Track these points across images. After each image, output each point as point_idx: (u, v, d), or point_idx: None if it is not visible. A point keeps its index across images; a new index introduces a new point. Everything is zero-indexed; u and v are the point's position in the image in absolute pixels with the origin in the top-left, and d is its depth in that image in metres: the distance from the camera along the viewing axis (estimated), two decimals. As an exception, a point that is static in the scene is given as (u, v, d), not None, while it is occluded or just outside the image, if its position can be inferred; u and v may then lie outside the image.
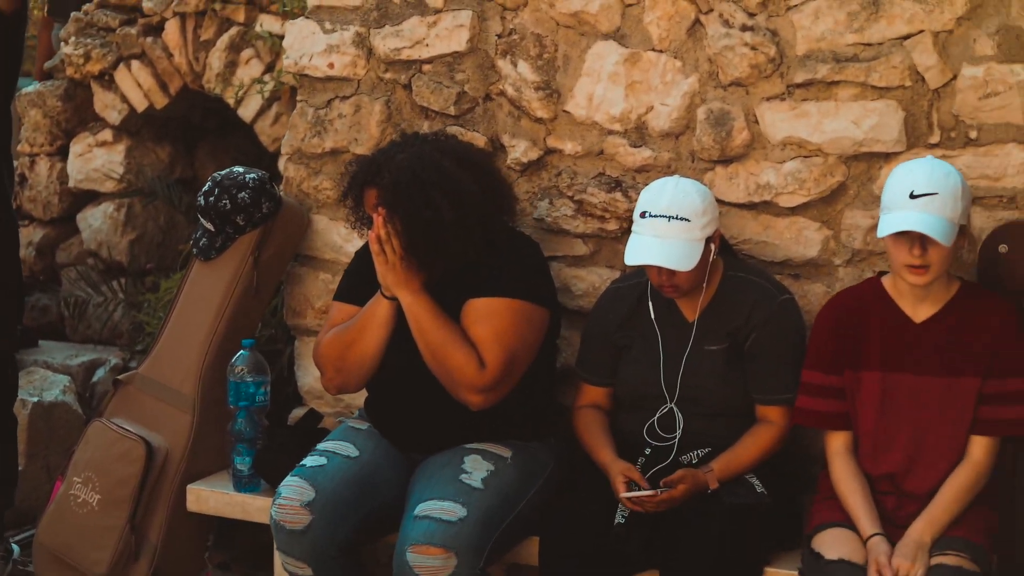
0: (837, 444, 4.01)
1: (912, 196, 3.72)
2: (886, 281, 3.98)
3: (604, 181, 4.53)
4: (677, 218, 3.97)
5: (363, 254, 4.37)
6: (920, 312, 3.92)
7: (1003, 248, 4.09)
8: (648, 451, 4.13)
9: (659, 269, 4.00)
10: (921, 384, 3.90)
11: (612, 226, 4.53)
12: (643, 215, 4.01)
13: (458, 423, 4.20)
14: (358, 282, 4.33)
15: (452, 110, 4.69)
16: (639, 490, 3.93)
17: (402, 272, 4.08)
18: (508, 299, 4.11)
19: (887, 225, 3.76)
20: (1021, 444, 4.08)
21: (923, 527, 3.80)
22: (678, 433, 4.13)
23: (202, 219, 4.85)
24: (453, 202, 4.06)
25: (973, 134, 4.14)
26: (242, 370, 4.53)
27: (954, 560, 3.73)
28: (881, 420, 3.93)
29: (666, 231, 3.97)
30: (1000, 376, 3.85)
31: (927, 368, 3.89)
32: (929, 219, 3.70)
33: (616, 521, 3.95)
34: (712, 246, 4.05)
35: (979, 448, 3.88)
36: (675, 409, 4.15)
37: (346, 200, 4.29)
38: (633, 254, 4.00)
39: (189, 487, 4.68)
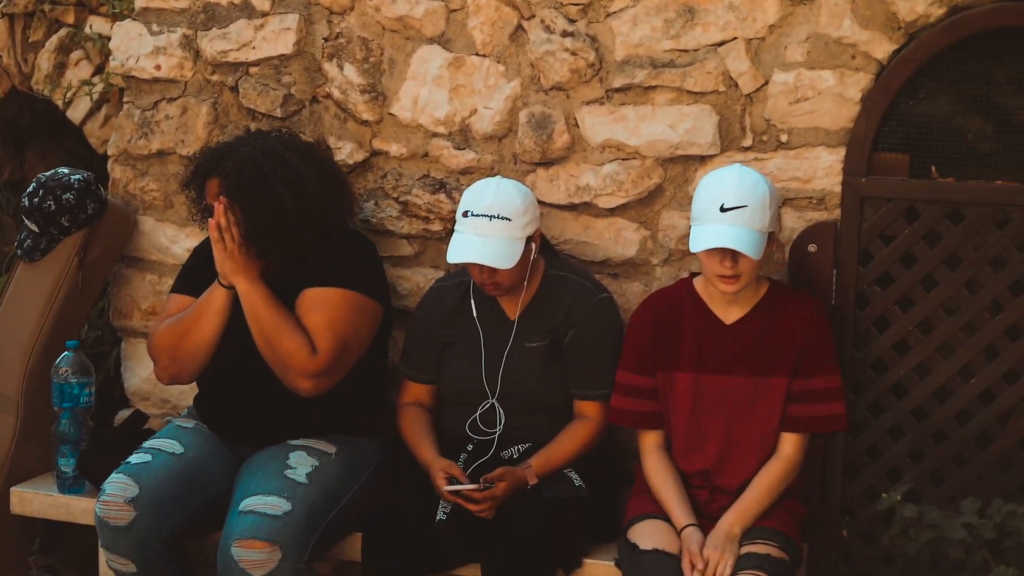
0: (650, 442, 4.11)
1: (722, 209, 3.84)
2: (698, 283, 4.09)
3: (429, 183, 4.59)
4: (498, 217, 4.05)
5: (201, 250, 4.40)
6: (730, 314, 4.04)
7: (812, 248, 4.23)
8: (470, 447, 4.20)
9: (481, 267, 4.08)
10: (732, 384, 4.02)
11: (436, 227, 4.59)
12: (465, 214, 4.08)
13: (286, 416, 4.23)
14: (196, 276, 4.34)
15: (279, 112, 4.71)
16: (459, 485, 3.99)
17: (240, 260, 4.10)
18: (342, 289, 4.17)
19: (699, 240, 3.87)
20: (830, 438, 4.23)
21: (733, 519, 3.92)
22: (499, 428, 4.20)
23: (26, 220, 4.81)
24: (295, 193, 4.11)
25: (784, 138, 4.28)
26: (66, 371, 4.50)
27: (763, 548, 3.86)
28: (693, 420, 4.04)
29: (487, 230, 4.05)
30: (807, 375, 3.98)
31: (737, 368, 4.02)
32: (739, 233, 3.82)
33: (438, 518, 4.00)
34: (533, 245, 4.13)
35: (789, 444, 4.01)
36: (496, 405, 4.22)
37: (187, 191, 4.30)
38: (455, 252, 4.07)
39: (12, 489, 4.63)
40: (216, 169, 4.16)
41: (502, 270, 4.06)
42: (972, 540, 3.85)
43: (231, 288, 4.14)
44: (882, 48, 4.17)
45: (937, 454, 4.25)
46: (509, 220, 4.04)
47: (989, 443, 4.23)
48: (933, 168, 4.21)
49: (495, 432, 4.20)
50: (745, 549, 3.86)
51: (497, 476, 3.99)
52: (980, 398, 4.22)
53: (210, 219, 4.10)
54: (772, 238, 3.92)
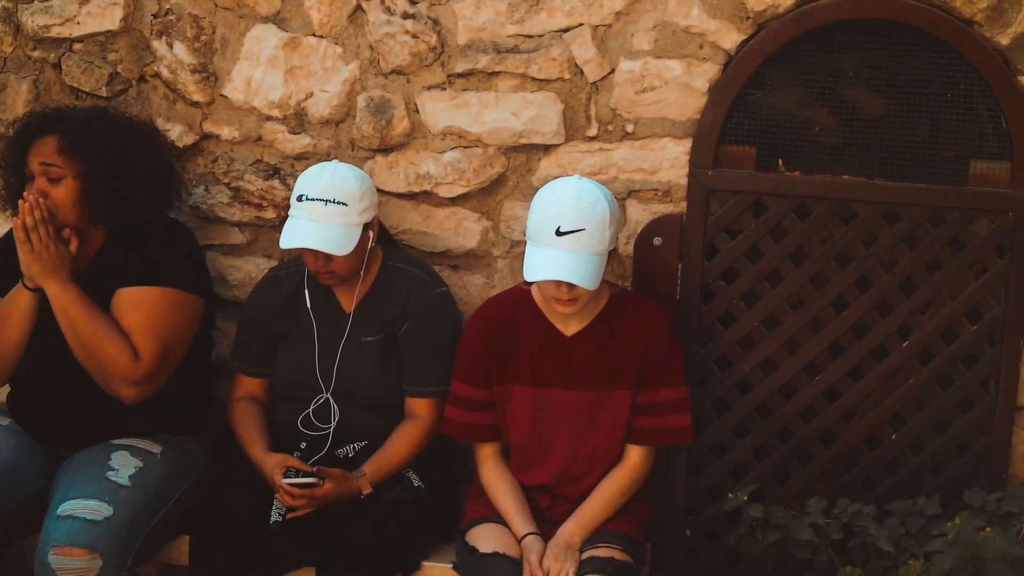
0: (486, 451, 3.97)
1: (559, 233, 3.64)
2: (535, 291, 3.93)
3: (262, 168, 4.40)
4: (334, 202, 3.87)
5: (6, 243, 4.13)
6: (570, 325, 3.89)
7: (657, 241, 4.14)
8: (303, 444, 4.02)
9: (315, 254, 3.90)
10: (573, 398, 3.88)
11: (270, 214, 4.40)
12: (300, 198, 3.90)
13: (106, 417, 4.00)
14: (2, 272, 4.08)
15: (104, 91, 4.48)
16: (299, 475, 3.80)
17: (49, 261, 3.85)
18: (161, 288, 3.95)
19: (533, 268, 3.65)
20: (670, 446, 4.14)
21: (574, 528, 3.80)
22: (333, 424, 4.04)
23: None
24: (145, 153, 3.95)
25: (630, 128, 4.18)
26: None
27: (606, 552, 3.75)
28: (534, 433, 3.90)
29: (322, 214, 3.87)
30: (652, 387, 3.86)
31: (579, 382, 3.87)
32: (575, 261, 3.62)
33: (272, 519, 3.83)
34: (371, 233, 3.97)
35: (636, 454, 3.91)
36: (331, 400, 4.05)
37: (2, 170, 4.03)
38: (288, 237, 3.89)
39: None
40: (53, 127, 3.90)
41: (337, 257, 3.88)
42: (819, 540, 3.82)
43: (38, 290, 3.89)
44: (730, 38, 4.09)
45: (782, 452, 4.19)
46: (345, 205, 3.86)
47: (834, 440, 4.19)
48: (780, 161, 4.15)
49: (329, 428, 4.03)
50: (588, 553, 3.75)
51: (332, 475, 3.82)
52: (825, 395, 4.17)
53: (15, 219, 3.83)
54: (612, 256, 3.78)
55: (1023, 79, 4.04)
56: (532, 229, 3.69)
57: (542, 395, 3.85)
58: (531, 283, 3.87)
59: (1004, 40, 4.01)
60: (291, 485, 3.77)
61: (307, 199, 3.87)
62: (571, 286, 3.66)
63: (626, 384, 3.83)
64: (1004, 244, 4.07)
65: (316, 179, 3.90)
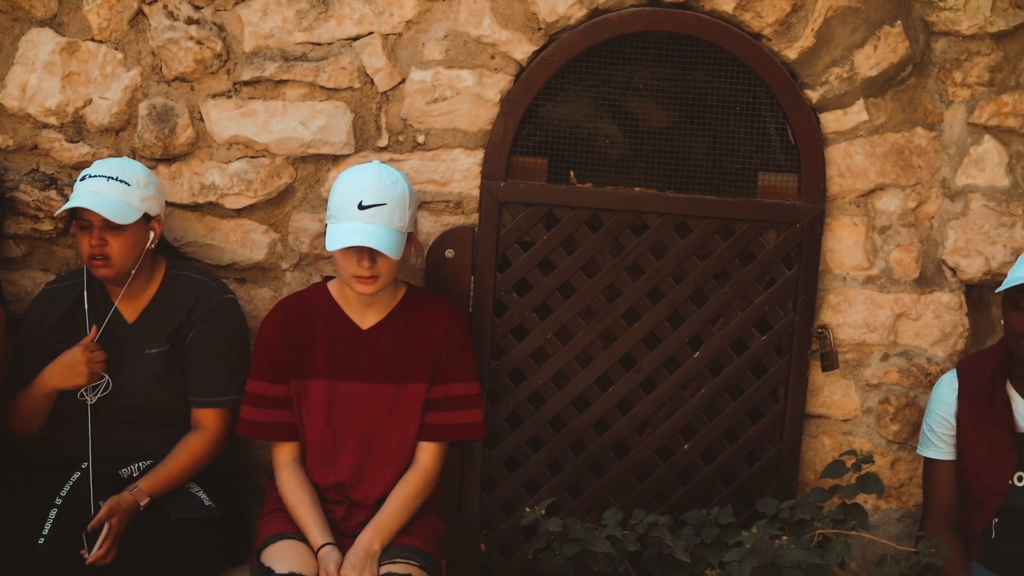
0: (284, 455, 3.87)
1: (361, 207, 3.65)
2: (332, 287, 3.88)
3: (38, 178, 4.20)
4: (117, 179, 3.78)
5: None
6: (367, 319, 3.85)
7: (449, 253, 4.09)
8: (84, 464, 3.84)
9: (91, 235, 3.76)
10: (369, 392, 3.82)
11: (47, 226, 4.21)
12: (83, 178, 3.82)
13: None
14: None
15: None
16: (93, 541, 3.63)
17: None
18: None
19: (336, 238, 3.66)
20: (468, 451, 4.09)
21: (372, 536, 3.73)
22: (90, 438, 3.87)
23: None
24: None
25: (421, 138, 4.12)
26: None
27: (403, 568, 3.69)
28: (328, 429, 3.83)
29: (104, 189, 3.77)
30: (446, 381, 3.83)
31: (374, 376, 3.82)
32: (378, 231, 3.64)
33: (39, 540, 3.64)
34: (152, 232, 3.83)
35: (427, 454, 3.85)
36: (114, 417, 3.89)
37: None
38: (70, 203, 3.76)
39: None
40: None
41: (114, 241, 3.74)
42: (616, 552, 3.80)
43: None
44: (522, 49, 4.06)
45: (576, 464, 4.18)
46: (128, 184, 3.78)
47: (627, 452, 4.18)
48: (572, 173, 4.13)
49: (116, 445, 3.87)
50: (384, 569, 3.68)
51: (103, 517, 3.65)
52: (618, 407, 4.16)
53: None
54: (411, 239, 3.76)
55: (809, 93, 4.10)
56: (334, 207, 3.69)
57: (338, 388, 3.80)
58: (329, 278, 3.85)
59: (792, 54, 4.07)
60: (94, 551, 3.59)
61: (89, 177, 3.81)
62: (372, 261, 3.64)
63: (420, 377, 3.80)
64: (792, 255, 4.12)
65: (101, 164, 3.84)
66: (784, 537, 3.67)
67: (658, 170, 4.18)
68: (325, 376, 3.80)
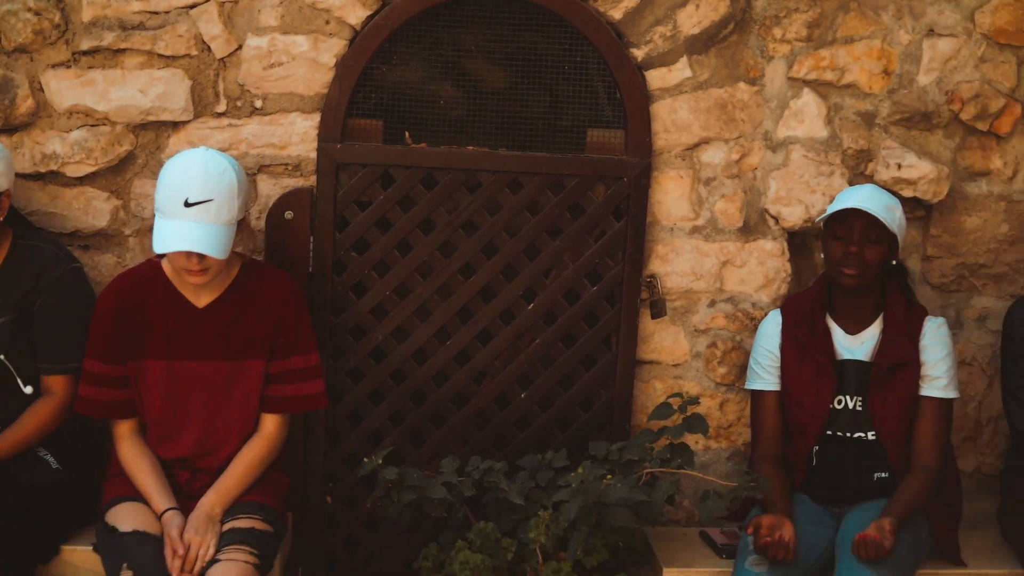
0: (123, 429, 3.94)
1: (187, 204, 3.69)
2: (166, 265, 3.92)
3: None
4: None
5: None
6: (202, 297, 3.91)
7: (288, 215, 4.20)
8: None
9: None
10: (207, 369, 3.90)
11: None
12: None
13: None
14: None
15: None
16: None
17: None
18: None
19: (163, 239, 3.69)
20: (310, 413, 4.21)
21: (214, 500, 3.83)
22: None
23: None
24: None
25: (259, 103, 4.22)
26: None
27: (246, 522, 3.80)
28: (168, 408, 3.91)
29: None
30: (284, 355, 3.92)
31: (212, 353, 3.90)
32: (205, 232, 3.68)
33: None
34: (1, 204, 3.89)
35: (271, 423, 3.95)
36: None
37: None
38: None
39: None
40: None
41: None
42: (453, 498, 3.94)
43: None
44: (355, 14, 4.17)
45: (417, 416, 4.32)
46: None
47: (466, 402, 4.33)
48: (407, 134, 4.26)
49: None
50: (228, 525, 3.79)
51: None
52: (456, 359, 4.31)
53: None
54: (242, 225, 3.83)
55: (635, 51, 4.25)
56: (160, 201, 3.72)
57: (175, 368, 3.87)
58: (162, 256, 3.88)
59: (617, 14, 4.22)
60: None
61: None
62: (201, 256, 3.70)
63: (259, 353, 3.88)
64: (621, 208, 4.28)
65: None
66: (608, 476, 3.84)
67: (495, 129, 4.31)
68: (163, 356, 3.87)
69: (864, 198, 3.97)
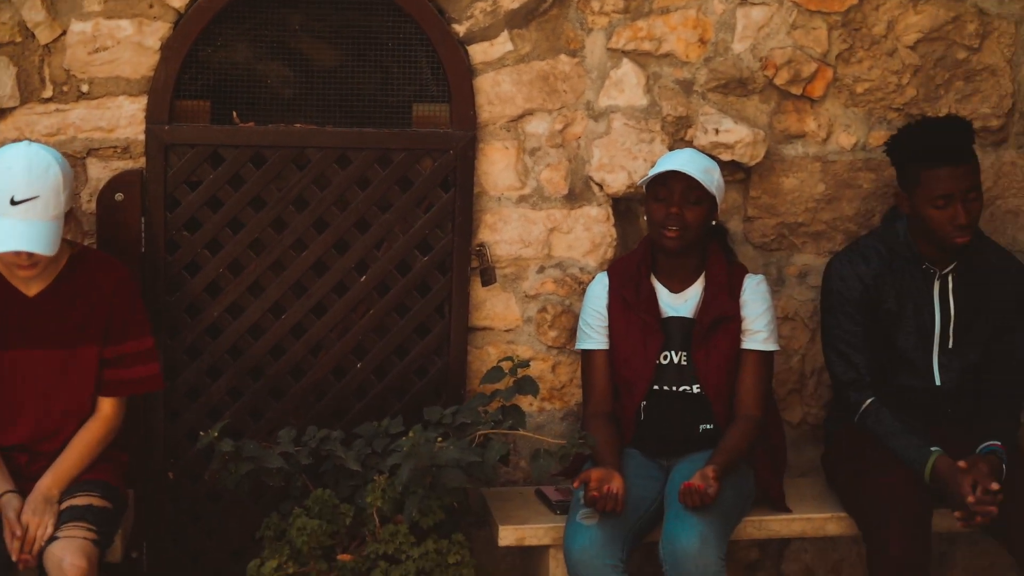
0: None
1: (13, 202, 3.70)
2: None
3: None
4: None
5: None
6: (32, 287, 3.93)
7: (119, 197, 4.24)
8: None
9: None
10: (41, 358, 3.93)
11: None
12: None
13: None
14: None
15: None
16: None
17: None
18: None
19: None
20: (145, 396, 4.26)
21: (50, 482, 3.87)
22: None
23: None
24: None
25: (85, 88, 4.26)
26: None
27: (84, 500, 3.85)
28: (3, 396, 3.93)
29: None
30: (118, 340, 3.97)
31: (45, 341, 3.92)
32: (32, 229, 3.70)
33: None
34: None
35: (108, 405, 4.00)
36: None
37: None
38: None
39: None
40: None
41: None
42: (290, 468, 4.02)
43: None
44: (179, -4, 4.24)
45: (255, 390, 4.39)
46: None
47: (303, 375, 4.41)
48: (234, 113, 4.32)
49: None
50: (66, 503, 3.83)
51: None
52: (292, 333, 4.39)
53: None
54: (69, 216, 3.85)
55: (456, 27, 4.36)
56: None
57: (8, 357, 3.90)
58: None
59: (438, -9, 4.32)
60: None
61: None
62: (30, 254, 3.73)
63: (92, 340, 3.93)
64: (448, 180, 4.39)
65: None
66: (440, 439, 3.94)
67: (326, 107, 4.39)
68: None
69: (683, 161, 4.12)
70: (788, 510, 4.28)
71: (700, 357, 4.20)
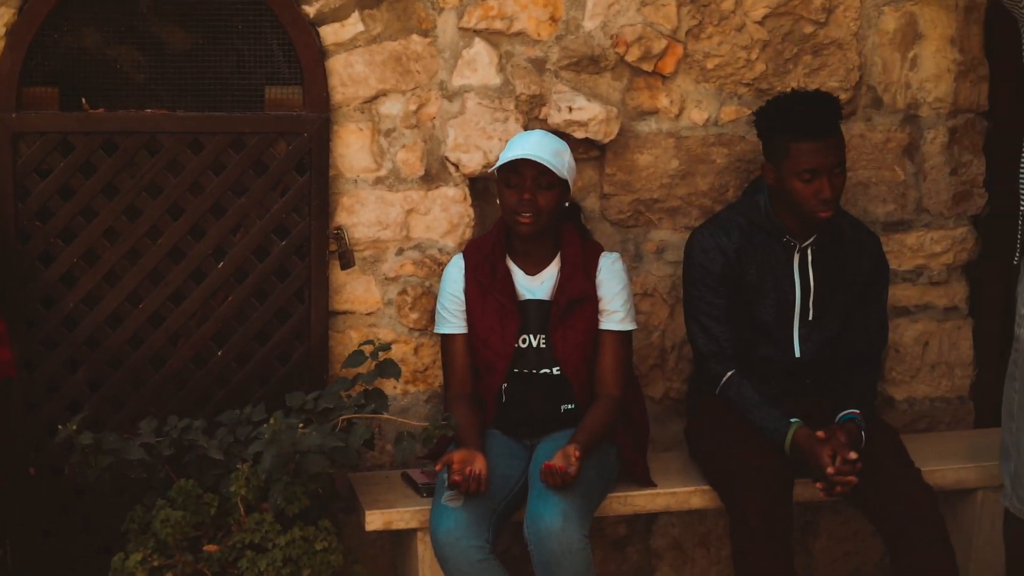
0: None
1: None
2: None
3: None
4: None
5: None
6: None
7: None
8: None
9: None
10: None
11: None
12: None
13: None
14: None
15: None
16: None
17: None
18: None
19: None
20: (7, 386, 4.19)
21: None
22: None
23: None
24: None
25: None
26: None
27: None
28: None
29: None
30: None
31: None
32: None
33: None
34: None
35: None
36: None
37: None
38: None
39: None
40: None
41: None
42: (152, 459, 3.98)
43: None
44: (27, -17, 4.15)
45: (115, 380, 4.34)
46: None
47: (163, 364, 4.37)
48: (83, 100, 4.25)
49: None
50: None
51: None
52: (150, 322, 4.35)
53: None
54: None
55: (307, 8, 4.33)
56: None
57: None
58: None
59: (287, -27, 4.28)
60: None
61: None
62: None
63: None
64: (303, 163, 4.37)
65: None
66: (301, 425, 3.93)
67: (181, 92, 4.35)
68: None
69: (533, 146, 4.13)
70: (653, 484, 4.34)
71: (558, 339, 4.23)
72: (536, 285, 4.28)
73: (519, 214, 4.14)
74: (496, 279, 4.23)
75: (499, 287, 4.23)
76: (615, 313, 4.27)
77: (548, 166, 4.08)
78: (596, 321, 4.27)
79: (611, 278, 4.28)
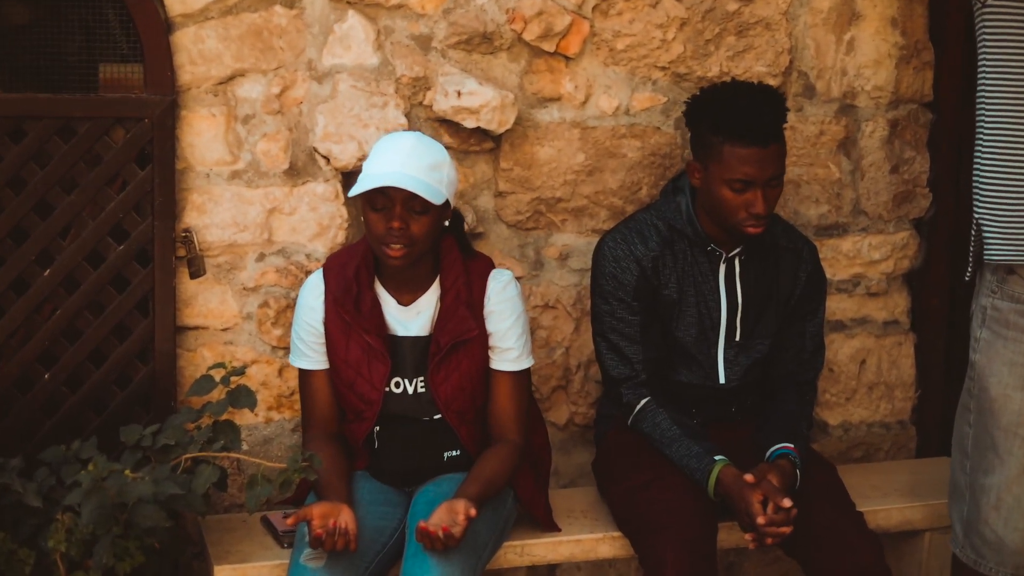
0: None
1: None
2: None
3: None
4: None
5: None
6: None
7: None
8: None
9: None
10: None
11: None
12: None
13: None
14: None
15: None
16: None
17: None
18: None
19: None
20: None
21: None
22: None
23: None
24: None
25: None
26: None
27: None
28: None
29: None
30: None
31: None
32: None
33: None
34: None
35: None
36: None
37: None
38: None
39: None
40: None
41: None
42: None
43: None
44: None
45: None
46: None
47: None
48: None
49: None
50: None
51: None
52: None
53: None
54: None
55: (149, -25, 3.71)
56: None
57: None
58: None
59: (124, -68, 3.67)
60: None
61: None
62: None
63: None
64: (145, 153, 3.77)
65: None
66: (129, 471, 3.32)
67: (21, 71, 3.85)
68: None
69: (402, 161, 3.39)
70: (556, 529, 3.75)
71: (439, 383, 3.56)
72: (411, 318, 3.61)
73: (387, 245, 3.46)
74: (361, 313, 3.56)
75: (365, 324, 3.55)
76: (508, 351, 3.62)
77: (420, 194, 3.41)
78: (484, 359, 3.61)
79: (502, 308, 3.61)
